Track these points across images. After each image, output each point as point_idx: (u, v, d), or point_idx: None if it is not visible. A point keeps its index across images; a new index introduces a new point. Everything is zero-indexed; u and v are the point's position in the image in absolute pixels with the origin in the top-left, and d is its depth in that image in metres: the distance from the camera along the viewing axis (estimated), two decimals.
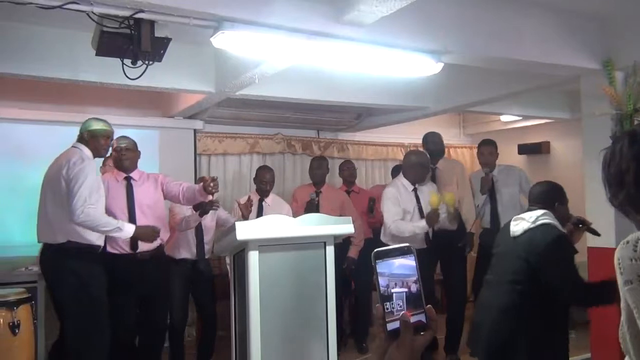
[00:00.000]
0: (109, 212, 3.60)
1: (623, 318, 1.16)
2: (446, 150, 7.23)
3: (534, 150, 6.82)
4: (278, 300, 3.06)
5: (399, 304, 0.90)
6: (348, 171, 5.28)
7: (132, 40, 2.68)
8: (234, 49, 3.11)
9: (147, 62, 2.83)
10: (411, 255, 0.92)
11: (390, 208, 4.22)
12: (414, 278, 0.91)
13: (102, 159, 3.81)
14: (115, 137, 3.77)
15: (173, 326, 4.16)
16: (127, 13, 2.59)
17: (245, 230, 2.96)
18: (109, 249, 3.62)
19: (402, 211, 4.22)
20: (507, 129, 6.91)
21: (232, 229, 3.01)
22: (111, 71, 3.13)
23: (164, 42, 2.80)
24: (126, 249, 3.66)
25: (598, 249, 3.66)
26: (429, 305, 0.91)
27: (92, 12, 2.56)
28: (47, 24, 3.52)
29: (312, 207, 4.63)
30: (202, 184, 3.55)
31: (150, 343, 3.89)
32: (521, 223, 2.73)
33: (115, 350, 3.49)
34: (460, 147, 7.39)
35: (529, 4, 3.54)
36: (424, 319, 0.91)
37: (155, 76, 3.24)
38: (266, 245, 3.04)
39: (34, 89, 4.65)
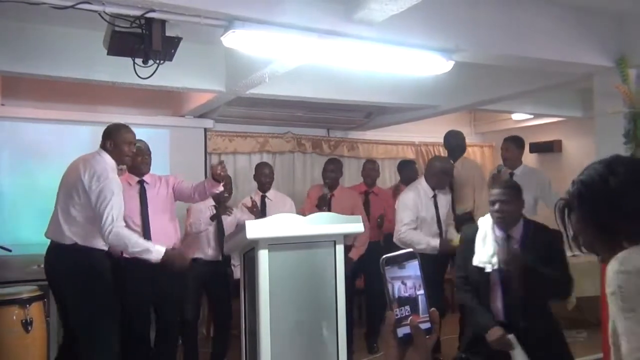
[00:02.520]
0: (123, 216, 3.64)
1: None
2: None
3: (546, 148, 6.77)
4: (288, 299, 3.06)
5: (407, 310, 0.93)
6: (366, 172, 5.19)
7: (143, 40, 2.69)
8: (244, 48, 3.11)
9: (158, 61, 2.84)
10: (415, 260, 0.95)
11: (405, 215, 4.17)
12: (420, 282, 0.95)
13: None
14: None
15: (186, 323, 4.16)
16: (138, 12, 2.61)
17: (255, 228, 2.97)
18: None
19: (417, 218, 4.18)
20: (518, 128, 6.86)
21: (242, 227, 3.02)
22: (123, 71, 3.15)
23: (175, 42, 2.81)
24: None
25: None
26: (432, 309, 0.95)
27: (104, 12, 2.58)
28: (60, 23, 3.55)
29: (324, 201, 4.59)
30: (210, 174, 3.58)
31: (163, 342, 3.90)
32: None
33: (128, 347, 3.50)
34: (471, 146, 7.35)
35: (542, 2, 3.50)
36: (429, 323, 0.94)
37: (166, 75, 3.26)
38: (276, 244, 3.04)
39: (47, 88, 4.69)
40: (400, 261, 0.94)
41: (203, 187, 3.71)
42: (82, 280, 3.23)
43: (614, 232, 1.22)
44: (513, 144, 4.72)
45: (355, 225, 3.23)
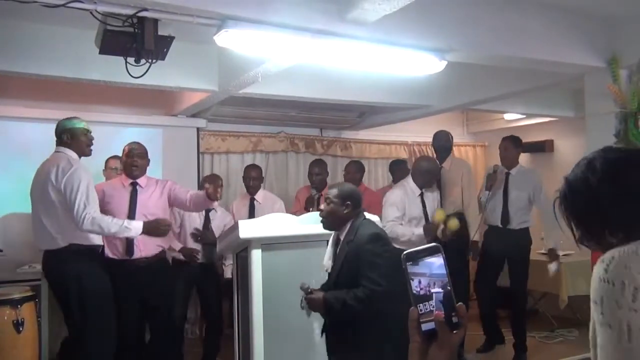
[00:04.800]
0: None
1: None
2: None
3: (538, 148, 6.79)
4: (280, 299, 3.06)
5: (431, 305, 0.92)
6: (348, 173, 5.24)
7: (136, 39, 2.67)
8: (237, 48, 3.10)
9: (150, 60, 2.82)
10: (439, 254, 0.94)
11: (389, 210, 4.18)
12: (445, 277, 0.93)
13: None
14: (128, 142, 3.84)
15: (172, 325, 4.15)
16: (130, 11, 2.59)
17: (248, 228, 2.97)
18: (107, 253, 3.64)
19: (403, 215, 4.19)
20: (510, 127, 6.88)
21: (235, 227, 3.01)
22: (115, 70, 3.13)
23: (167, 41, 2.79)
24: (121, 255, 3.66)
25: None
26: (459, 303, 0.93)
27: (96, 11, 2.56)
28: (52, 22, 3.53)
29: (311, 202, 4.67)
30: (205, 191, 3.60)
31: (159, 348, 3.88)
32: None
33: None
34: (463, 146, 7.38)
35: (534, 2, 3.52)
36: (456, 317, 0.93)
37: (158, 74, 3.24)
38: (269, 244, 3.04)
39: (39, 87, 4.66)
40: (421, 257, 0.93)
41: (201, 201, 3.72)
42: (78, 284, 3.23)
43: (598, 228, 1.21)
44: (512, 144, 4.73)
45: None
